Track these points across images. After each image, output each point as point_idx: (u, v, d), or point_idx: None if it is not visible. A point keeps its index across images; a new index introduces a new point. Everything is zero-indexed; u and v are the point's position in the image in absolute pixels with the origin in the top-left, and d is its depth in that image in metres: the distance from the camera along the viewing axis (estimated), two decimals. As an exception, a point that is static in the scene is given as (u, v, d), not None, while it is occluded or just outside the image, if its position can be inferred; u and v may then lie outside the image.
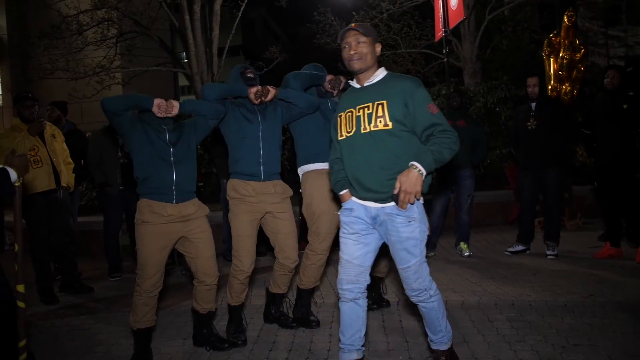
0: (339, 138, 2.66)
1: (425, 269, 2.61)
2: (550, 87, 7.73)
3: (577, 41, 7.69)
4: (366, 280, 2.67)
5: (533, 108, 5.25)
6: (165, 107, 3.10)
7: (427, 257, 5.38)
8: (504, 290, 4.17)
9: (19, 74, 17.38)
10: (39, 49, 12.47)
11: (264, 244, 5.70)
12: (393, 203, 2.48)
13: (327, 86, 3.62)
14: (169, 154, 3.14)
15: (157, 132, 3.15)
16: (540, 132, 5.15)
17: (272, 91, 3.44)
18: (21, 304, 2.50)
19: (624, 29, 19.39)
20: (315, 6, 15.04)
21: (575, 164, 7.64)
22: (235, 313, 3.48)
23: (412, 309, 3.90)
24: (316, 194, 3.53)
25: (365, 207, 2.60)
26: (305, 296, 3.68)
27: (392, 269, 5.05)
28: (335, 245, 3.97)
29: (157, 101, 3.09)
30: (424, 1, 13.39)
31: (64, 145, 5.09)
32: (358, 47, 2.57)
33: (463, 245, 5.57)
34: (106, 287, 5.29)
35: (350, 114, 2.60)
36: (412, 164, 2.38)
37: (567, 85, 7.61)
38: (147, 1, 12.97)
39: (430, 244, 5.60)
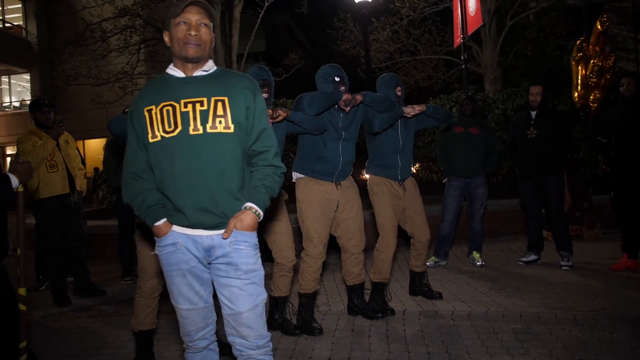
0: (150, 140, 2.00)
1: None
2: (577, 93, 7.59)
3: (606, 48, 7.55)
4: (214, 317, 2.20)
5: (533, 117, 5.18)
6: None
7: (439, 265, 5.43)
8: (513, 301, 4.09)
9: (47, 80, 17.87)
10: (63, 56, 12.81)
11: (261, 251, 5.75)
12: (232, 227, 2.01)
13: (342, 104, 3.58)
14: None
15: None
16: (539, 141, 5.08)
17: (282, 114, 3.36)
18: (22, 307, 2.56)
19: (654, 34, 18.93)
20: (335, 13, 15.12)
21: (597, 173, 7.48)
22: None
23: (418, 318, 3.87)
24: (306, 200, 3.61)
25: (194, 239, 2.03)
26: (306, 301, 3.69)
27: (396, 275, 5.05)
28: (333, 248, 3.99)
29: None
30: (445, 7, 13.34)
31: (76, 150, 5.21)
32: (200, 29, 2.04)
33: (476, 255, 5.49)
34: (119, 290, 5.38)
35: (170, 108, 1.99)
36: (250, 206, 2.00)
37: (596, 92, 7.46)
38: (169, 8, 13.19)
39: (443, 253, 5.54)
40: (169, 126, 1.98)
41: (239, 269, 2.02)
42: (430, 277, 4.60)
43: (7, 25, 21.26)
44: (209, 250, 2.03)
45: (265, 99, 3.40)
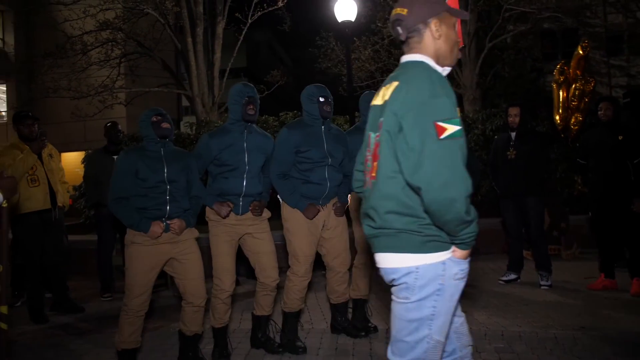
0: None
1: None
2: (558, 116, 7.75)
3: (585, 72, 7.77)
4: None
5: (513, 138, 5.30)
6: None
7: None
8: (494, 320, 4.13)
9: (24, 92, 17.59)
10: (43, 68, 12.65)
11: (243, 266, 5.75)
12: None
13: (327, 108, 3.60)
14: (165, 192, 3.17)
15: (154, 170, 3.15)
16: (519, 162, 5.20)
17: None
18: (3, 325, 2.49)
19: (626, 58, 19.57)
20: (317, 31, 15.27)
21: (573, 193, 7.64)
22: (220, 336, 3.46)
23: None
24: (292, 219, 3.60)
25: None
26: (290, 320, 3.67)
27: (378, 293, 5.05)
28: (319, 268, 3.96)
29: (154, 228, 3.12)
30: (426, 28, 13.59)
31: (61, 164, 5.13)
32: None
33: (456, 273, 5.53)
34: (97, 306, 5.27)
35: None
36: None
37: (577, 115, 7.63)
38: (151, 23, 13.17)
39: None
40: None
41: None
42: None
43: (-17, 35, 20.92)
44: None
45: (251, 115, 3.42)
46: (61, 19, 13.04)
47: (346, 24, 8.57)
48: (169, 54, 15.34)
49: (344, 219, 3.82)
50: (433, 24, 1.88)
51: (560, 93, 7.69)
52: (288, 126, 3.65)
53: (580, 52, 7.56)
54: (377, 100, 1.98)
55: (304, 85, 3.78)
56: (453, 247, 1.82)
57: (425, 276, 1.79)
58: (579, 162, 5.37)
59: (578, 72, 7.58)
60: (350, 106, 8.74)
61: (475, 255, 6.82)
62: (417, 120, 1.70)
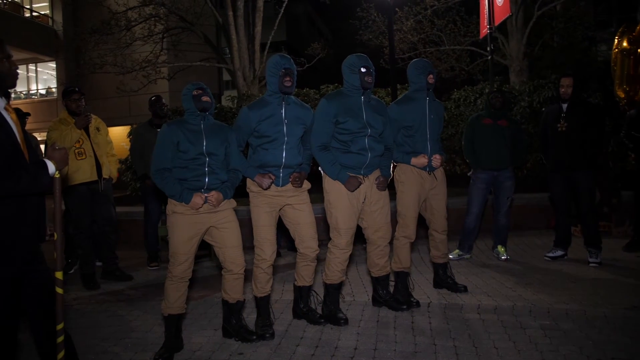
0: None
1: None
2: (621, 89, 7.11)
3: None
4: None
5: (564, 109, 5.07)
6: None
7: (463, 258, 5.37)
8: (540, 297, 4.04)
9: (72, 68, 18.09)
10: (89, 44, 12.95)
11: (284, 238, 5.85)
12: None
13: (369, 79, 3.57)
14: (204, 164, 3.23)
15: (195, 141, 3.21)
16: (570, 135, 4.97)
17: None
18: (59, 290, 2.60)
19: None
20: (358, 2, 14.97)
21: (626, 169, 7.31)
22: (262, 306, 3.53)
23: (444, 310, 3.85)
24: (334, 191, 3.59)
25: None
26: (332, 292, 3.71)
27: (420, 267, 5.03)
28: (360, 242, 3.96)
29: (195, 199, 3.19)
30: (470, -3, 13.13)
31: (108, 137, 5.27)
32: None
33: (500, 249, 5.44)
34: (145, 275, 5.46)
35: None
36: None
37: None
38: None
39: (467, 246, 5.50)
40: None
41: None
42: (454, 270, 4.57)
43: (34, 14, 21.57)
44: None
45: (288, 87, 3.40)
46: (107, -4, 13.28)
47: (389, -7, 8.37)
48: (210, 28, 15.40)
49: (386, 192, 3.79)
50: None
51: (626, 63, 6.98)
52: (327, 96, 3.65)
53: None
54: None
55: (345, 58, 3.72)
56: None
57: None
58: (634, 135, 5.12)
59: None
60: (393, 77, 8.59)
61: (521, 231, 6.71)
62: None
